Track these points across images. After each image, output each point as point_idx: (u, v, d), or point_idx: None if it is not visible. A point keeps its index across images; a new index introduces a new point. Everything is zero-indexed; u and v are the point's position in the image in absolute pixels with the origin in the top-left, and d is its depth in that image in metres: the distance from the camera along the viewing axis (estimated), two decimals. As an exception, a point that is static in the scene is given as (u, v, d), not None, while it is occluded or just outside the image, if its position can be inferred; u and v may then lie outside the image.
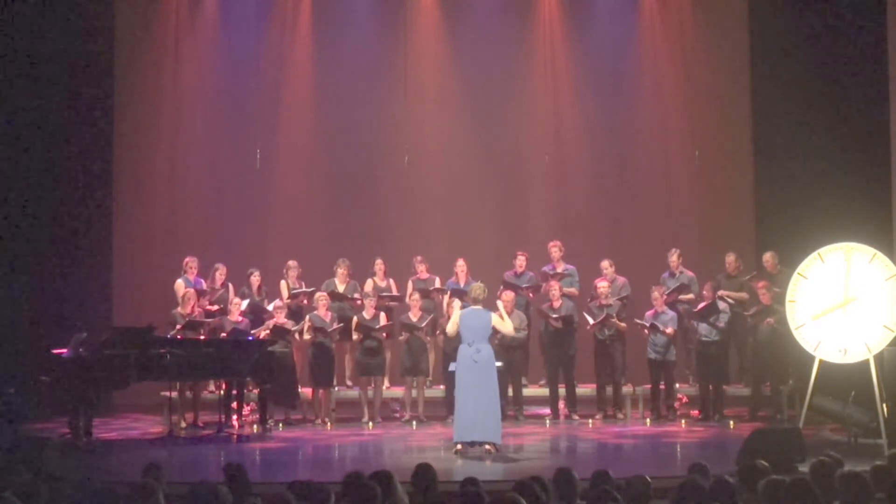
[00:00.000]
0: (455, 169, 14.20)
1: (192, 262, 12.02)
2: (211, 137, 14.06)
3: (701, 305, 11.73)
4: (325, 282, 12.16)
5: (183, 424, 11.29)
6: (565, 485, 5.46)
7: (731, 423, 11.33)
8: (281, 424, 11.52)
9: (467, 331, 9.62)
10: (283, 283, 12.18)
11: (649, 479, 5.57)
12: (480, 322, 9.62)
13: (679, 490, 5.32)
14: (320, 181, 14.22)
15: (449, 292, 12.01)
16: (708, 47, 14.17)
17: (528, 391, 12.27)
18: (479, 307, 9.74)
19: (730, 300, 11.82)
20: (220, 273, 12.08)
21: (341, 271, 12.18)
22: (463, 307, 10.36)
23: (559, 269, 12.32)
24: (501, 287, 11.85)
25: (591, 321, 11.71)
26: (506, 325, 9.92)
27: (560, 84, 14.33)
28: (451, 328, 9.94)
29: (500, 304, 10.30)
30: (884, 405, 9.63)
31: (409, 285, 12.27)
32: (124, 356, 10.40)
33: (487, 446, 9.49)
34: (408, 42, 14.24)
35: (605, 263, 12.31)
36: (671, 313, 11.77)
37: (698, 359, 11.95)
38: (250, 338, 11.29)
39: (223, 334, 11.32)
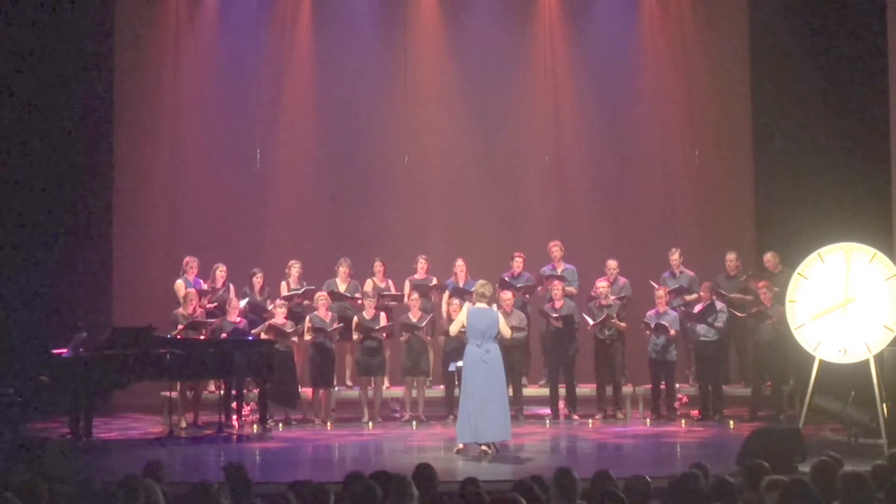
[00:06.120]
0: (455, 169, 14.19)
1: (192, 262, 12.02)
2: (211, 137, 14.06)
3: (698, 308, 11.72)
4: (327, 282, 12.17)
5: (183, 424, 11.28)
6: (565, 484, 5.46)
7: (731, 423, 11.33)
8: (281, 424, 11.53)
9: (474, 330, 9.56)
10: (284, 283, 12.17)
11: (649, 479, 5.57)
12: (487, 321, 9.57)
13: (677, 483, 5.32)
14: (320, 181, 14.22)
15: (448, 291, 12.01)
16: (708, 47, 14.17)
17: (528, 391, 12.27)
18: (484, 306, 9.69)
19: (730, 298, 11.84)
20: (221, 272, 12.08)
21: (343, 270, 12.19)
22: (468, 306, 10.35)
23: (559, 270, 12.33)
24: (497, 287, 11.84)
25: (591, 322, 11.72)
26: (506, 329, 9.84)
27: (560, 84, 14.33)
28: (454, 328, 9.90)
29: (501, 316, 10.07)
30: (884, 405, 9.63)
31: (407, 284, 12.26)
32: (124, 356, 10.41)
33: (483, 447, 9.51)
34: (408, 42, 14.24)
35: (613, 263, 12.29)
36: (673, 313, 11.78)
37: (697, 359, 11.97)
38: (250, 338, 11.29)
39: (223, 335, 11.32)
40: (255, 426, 11.27)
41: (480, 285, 9.84)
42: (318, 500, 5.12)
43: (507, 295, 11.39)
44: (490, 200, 14.15)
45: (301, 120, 14.27)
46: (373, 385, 11.84)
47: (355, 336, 11.73)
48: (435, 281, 12.35)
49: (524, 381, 12.19)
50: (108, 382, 10.62)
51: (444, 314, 11.79)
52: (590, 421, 11.67)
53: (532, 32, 14.41)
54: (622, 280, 12.34)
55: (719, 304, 11.70)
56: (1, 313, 12.04)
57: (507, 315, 11.27)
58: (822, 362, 9.84)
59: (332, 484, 5.64)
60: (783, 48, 13.35)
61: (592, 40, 14.41)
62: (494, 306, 10.09)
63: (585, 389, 12.14)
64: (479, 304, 9.73)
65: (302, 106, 14.27)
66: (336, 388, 11.99)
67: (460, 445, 9.57)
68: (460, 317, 9.86)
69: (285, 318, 11.59)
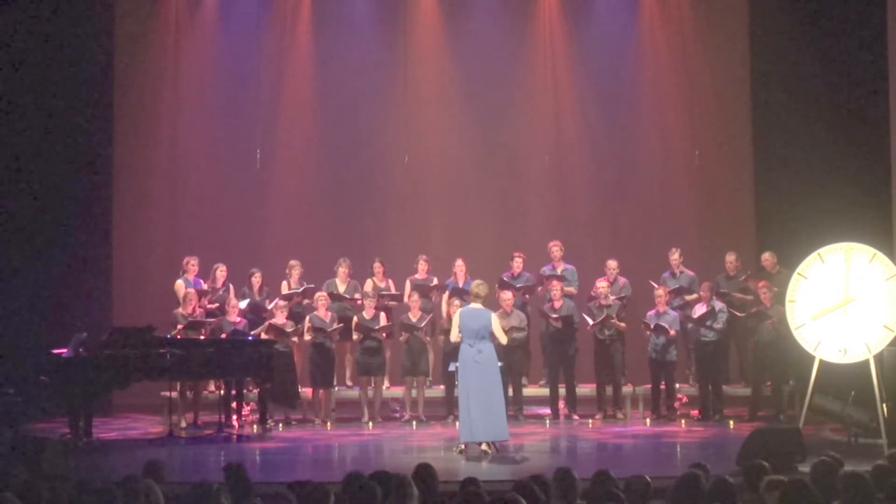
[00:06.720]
0: (455, 169, 14.20)
1: (192, 262, 12.02)
2: (211, 137, 14.06)
3: (699, 314, 11.69)
4: (327, 282, 12.17)
5: (183, 424, 11.28)
6: (565, 484, 5.46)
7: (731, 423, 11.33)
8: (281, 424, 11.53)
9: (467, 330, 9.58)
10: (284, 283, 12.17)
11: (649, 479, 5.57)
12: (480, 322, 9.58)
13: (678, 483, 5.32)
14: (320, 181, 14.22)
15: (448, 292, 12.01)
16: (708, 47, 14.17)
17: (528, 391, 12.26)
18: (478, 306, 9.70)
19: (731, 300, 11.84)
20: (221, 272, 12.08)
21: (342, 271, 12.19)
22: (463, 306, 10.35)
23: (559, 270, 12.33)
24: (497, 287, 11.84)
25: (591, 322, 11.72)
26: (502, 335, 9.80)
27: (560, 84, 14.33)
28: (453, 335, 9.85)
29: (494, 318, 9.94)
30: (884, 405, 9.63)
31: (407, 285, 12.26)
32: (124, 356, 10.41)
33: (483, 446, 9.50)
34: (408, 42, 14.24)
35: (613, 263, 12.28)
36: (673, 313, 11.78)
37: (697, 359, 11.97)
38: (250, 338, 11.29)
39: (223, 335, 11.32)
40: (255, 426, 11.27)
41: (475, 285, 9.85)
42: (318, 500, 5.12)
43: (507, 295, 11.39)
44: (490, 200, 14.14)
45: (301, 120, 14.27)
46: (373, 385, 11.84)
47: (355, 336, 11.73)
48: (436, 281, 12.35)
49: (524, 381, 12.19)
50: (108, 382, 10.62)
51: (445, 314, 11.80)
52: (590, 421, 11.67)
53: (532, 32, 14.41)
54: (622, 280, 12.34)
55: (719, 305, 11.69)
56: (1, 313, 12.02)
57: (506, 315, 11.28)
58: (822, 362, 9.84)
59: (332, 484, 5.64)
60: (783, 48, 13.34)
61: (592, 40, 14.41)
62: (498, 310, 10.08)
63: (585, 389, 12.14)
64: (473, 305, 9.74)
65: (302, 106, 14.27)
66: (336, 388, 11.99)
67: (462, 446, 9.57)
68: (455, 321, 9.82)
69: (286, 318, 11.59)
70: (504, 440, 9.63)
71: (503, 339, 9.86)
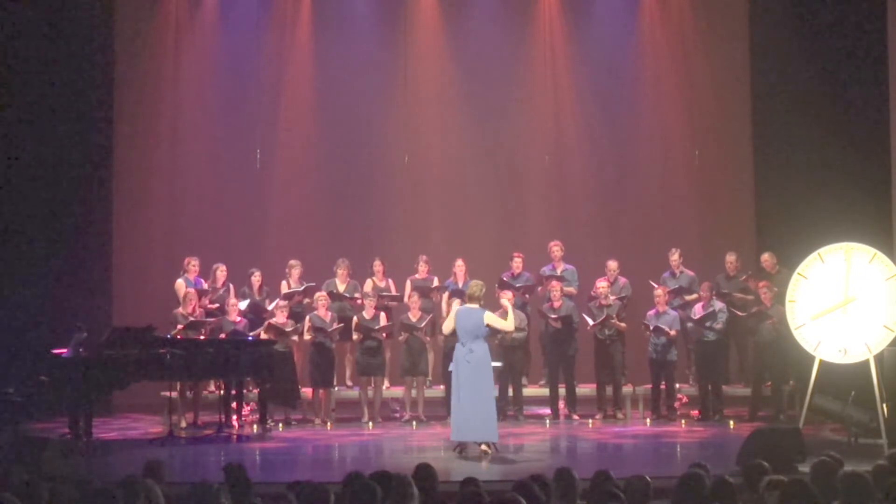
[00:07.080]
0: (455, 169, 14.20)
1: (192, 262, 12.02)
2: (211, 137, 14.06)
3: (699, 314, 11.69)
4: (326, 282, 12.17)
5: (183, 424, 11.29)
6: (566, 485, 5.46)
7: (731, 423, 11.34)
8: (281, 424, 11.53)
9: (460, 330, 9.60)
10: (284, 282, 12.17)
11: (649, 479, 5.57)
12: (472, 321, 9.57)
13: (680, 482, 5.32)
14: (320, 181, 14.23)
15: (448, 292, 12.02)
16: (708, 47, 14.17)
17: (528, 391, 12.26)
18: (473, 306, 9.70)
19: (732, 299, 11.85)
20: (221, 272, 12.09)
21: (341, 271, 12.19)
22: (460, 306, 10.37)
23: (559, 270, 12.33)
24: (497, 286, 11.84)
25: (591, 322, 11.72)
26: (505, 324, 9.87)
27: (560, 84, 14.33)
28: (446, 327, 9.96)
29: (506, 303, 10.23)
30: (884, 405, 9.64)
31: (408, 285, 12.27)
32: (124, 356, 10.41)
33: (483, 447, 9.50)
34: (408, 42, 14.25)
35: (613, 264, 12.29)
36: (673, 313, 11.78)
37: (697, 359, 11.97)
38: (250, 338, 11.29)
39: (222, 335, 11.32)
40: (255, 426, 11.28)
41: (471, 286, 9.88)
42: (318, 500, 5.12)
43: (507, 294, 11.39)
44: (490, 200, 14.15)
45: (301, 120, 14.28)
46: (373, 385, 11.85)
47: (355, 336, 11.73)
48: (436, 281, 12.35)
49: (524, 381, 12.19)
50: (108, 382, 10.62)
51: (445, 314, 11.79)
52: (590, 421, 11.67)
53: (532, 32, 14.41)
54: (622, 280, 12.34)
55: (719, 305, 11.69)
56: (1, 313, 12.02)
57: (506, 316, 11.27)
58: (822, 362, 9.84)
59: (332, 484, 5.64)
60: (783, 48, 13.34)
61: (592, 40, 14.42)
62: (497, 310, 10.11)
63: (585, 389, 12.15)
64: (468, 304, 9.75)
65: (302, 106, 14.27)
66: (336, 388, 12.00)
67: (458, 446, 9.56)
68: (451, 315, 9.91)
69: (286, 317, 11.59)
70: (492, 441, 9.55)
71: (510, 327, 9.91)
